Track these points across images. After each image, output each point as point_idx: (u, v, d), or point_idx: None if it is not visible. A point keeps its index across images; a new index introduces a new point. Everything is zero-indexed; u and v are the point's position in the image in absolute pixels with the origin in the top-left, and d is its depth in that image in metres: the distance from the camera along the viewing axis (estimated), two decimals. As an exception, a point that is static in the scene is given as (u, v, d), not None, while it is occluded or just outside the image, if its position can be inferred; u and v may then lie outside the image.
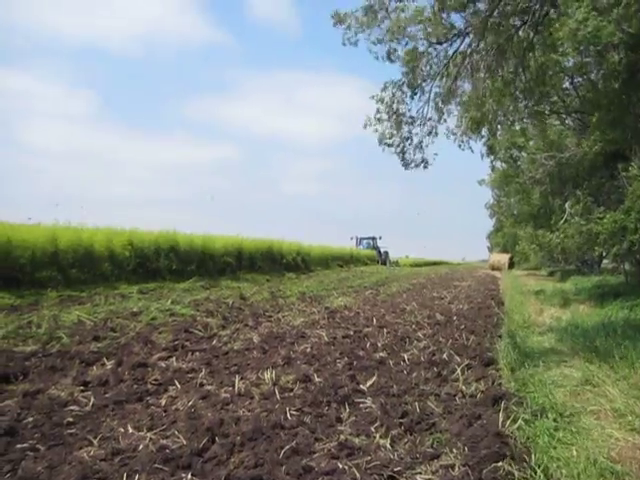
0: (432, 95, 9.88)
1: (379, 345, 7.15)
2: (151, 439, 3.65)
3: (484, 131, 11.01)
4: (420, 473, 3.17)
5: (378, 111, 9.88)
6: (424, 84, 9.69)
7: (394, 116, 9.86)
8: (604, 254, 20.91)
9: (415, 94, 9.79)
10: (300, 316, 9.83)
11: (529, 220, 23.55)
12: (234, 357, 6.29)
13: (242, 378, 5.27)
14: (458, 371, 5.49)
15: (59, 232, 11.69)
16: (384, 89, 9.80)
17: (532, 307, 13.50)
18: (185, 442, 3.57)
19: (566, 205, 16.71)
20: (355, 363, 5.98)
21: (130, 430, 3.81)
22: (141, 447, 3.51)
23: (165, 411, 4.32)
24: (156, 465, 3.20)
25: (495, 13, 8.50)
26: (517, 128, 14.70)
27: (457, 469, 3.18)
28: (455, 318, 9.97)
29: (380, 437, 3.69)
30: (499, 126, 12.06)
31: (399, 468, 3.19)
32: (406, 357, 6.36)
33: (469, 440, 3.54)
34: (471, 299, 14.38)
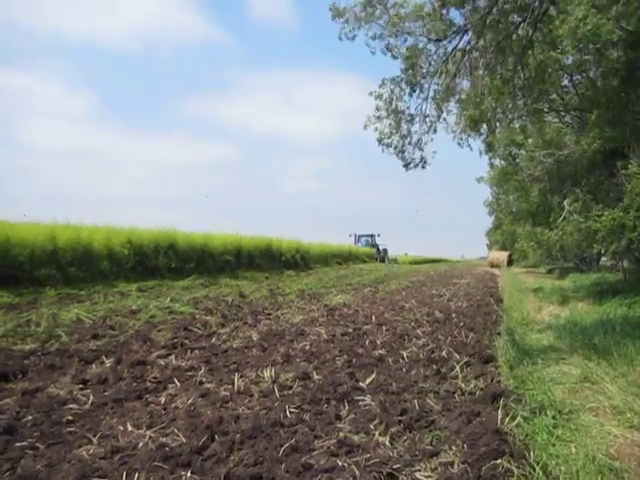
0: (431, 92, 9.86)
1: (378, 343, 7.16)
2: (150, 437, 3.65)
3: (483, 129, 10.99)
4: (419, 470, 3.18)
5: (377, 108, 9.85)
6: (423, 81, 9.66)
7: (393, 114, 9.83)
8: (603, 252, 20.96)
9: (414, 91, 9.76)
10: (299, 314, 9.84)
11: (528, 218, 23.56)
12: (233, 355, 6.30)
13: (241, 376, 5.28)
14: (457, 368, 5.49)
15: (58, 230, 11.67)
16: (382, 85, 9.77)
17: (531, 304, 13.52)
18: (184, 440, 3.57)
19: (565, 203, 16.72)
20: (354, 361, 5.99)
21: (129, 428, 3.82)
22: (140, 445, 3.52)
23: (164, 409, 4.32)
24: (156, 463, 3.20)
25: (494, 10, 8.48)
26: (516, 126, 14.68)
27: (456, 466, 3.19)
28: (454, 315, 9.97)
29: (379, 434, 3.70)
30: (498, 124, 12.05)
31: (398, 465, 3.20)
32: (405, 355, 6.37)
33: (468, 437, 3.55)
34: (470, 296, 14.39)
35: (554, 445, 3.56)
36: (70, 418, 4.01)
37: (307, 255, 24.28)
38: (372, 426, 3.85)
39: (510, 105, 10.74)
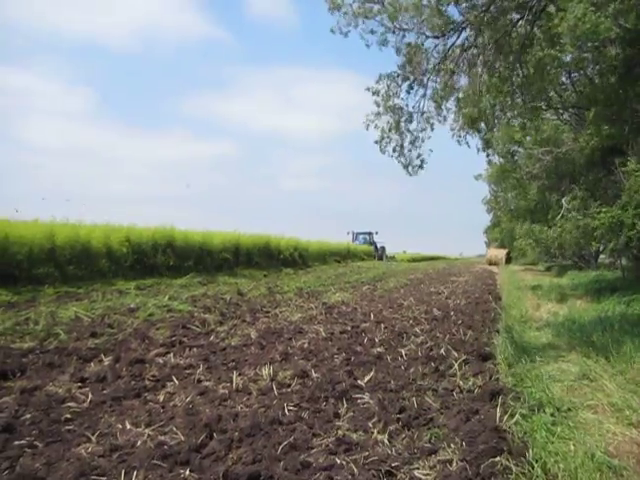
0: (429, 90, 9.85)
1: (376, 340, 7.16)
2: (149, 435, 3.65)
3: (481, 126, 10.99)
4: (418, 468, 3.18)
5: (377, 104, 9.82)
6: (421, 78, 9.64)
7: (391, 112, 9.81)
8: (601, 249, 20.99)
9: (412, 88, 9.75)
10: (298, 312, 9.84)
11: (526, 215, 23.63)
12: (232, 353, 6.30)
13: (240, 374, 5.28)
14: (455, 366, 5.49)
15: (56, 228, 11.66)
16: (379, 81, 9.74)
17: (529, 302, 13.53)
18: (183, 438, 3.57)
19: (563, 200, 16.76)
20: (353, 358, 5.99)
21: (128, 426, 3.81)
22: (139, 443, 3.51)
23: (163, 407, 4.32)
24: (154, 461, 3.20)
25: (492, 7, 8.47)
26: (515, 123, 14.69)
27: (455, 464, 3.19)
28: (452, 313, 9.98)
29: (378, 432, 3.70)
30: (496, 121, 12.04)
31: (397, 463, 3.20)
32: (403, 352, 6.37)
33: (467, 435, 3.55)
34: (468, 294, 14.39)
35: (553, 443, 3.56)
36: (69, 416, 4.00)
37: (305, 253, 24.29)
38: (370, 424, 3.86)
39: (509, 103, 10.74)
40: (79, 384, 4.87)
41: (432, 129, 10.10)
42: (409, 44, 9.38)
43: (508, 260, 45.65)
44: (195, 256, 15.73)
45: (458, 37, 9.15)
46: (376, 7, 9.03)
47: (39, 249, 10.71)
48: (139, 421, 3.93)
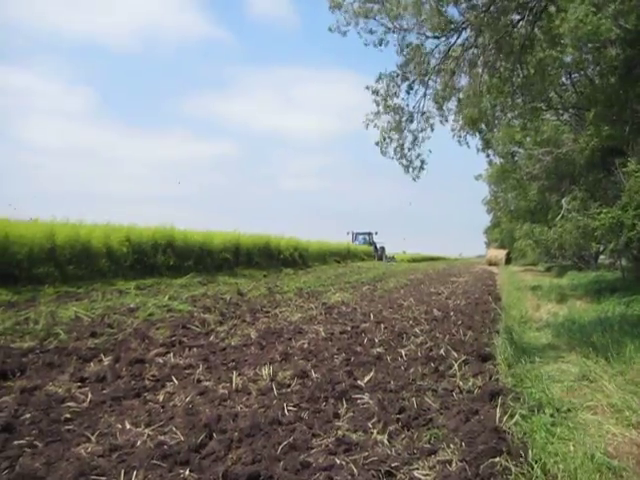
0: (429, 90, 9.84)
1: (376, 341, 7.16)
2: (149, 435, 3.65)
3: (481, 126, 10.99)
4: (417, 469, 3.18)
5: (376, 103, 9.82)
6: (421, 78, 9.63)
7: (392, 112, 9.81)
8: (601, 250, 20.99)
9: (411, 88, 9.74)
10: (297, 312, 9.84)
11: (526, 216, 23.63)
12: (231, 353, 6.30)
13: (240, 374, 5.28)
14: (455, 367, 5.49)
15: (57, 228, 11.66)
16: (379, 80, 9.73)
17: (529, 303, 13.53)
18: (183, 438, 3.57)
19: (563, 201, 16.75)
20: (352, 359, 5.99)
21: (128, 426, 3.81)
22: (139, 443, 3.51)
23: (163, 407, 4.32)
24: (154, 461, 3.20)
25: (492, 8, 8.47)
26: (515, 123, 14.68)
27: (454, 464, 3.19)
28: (452, 314, 9.98)
29: (377, 433, 3.70)
30: (496, 122, 12.04)
31: (396, 464, 3.20)
32: (403, 353, 6.37)
33: (466, 436, 3.55)
34: (468, 295, 14.39)
35: (552, 443, 3.56)
36: (68, 416, 4.00)
37: (305, 253, 24.29)
38: (370, 424, 3.86)
39: (509, 103, 10.74)
40: (79, 384, 4.87)
41: (432, 129, 10.10)
42: (409, 44, 9.38)
43: (508, 261, 45.66)
44: (195, 256, 15.72)
45: (458, 37, 9.14)
46: (376, 6, 9.03)
47: (39, 249, 10.71)
48: (139, 421, 3.93)
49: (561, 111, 15.99)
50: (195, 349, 6.43)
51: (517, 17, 8.83)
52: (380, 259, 38.18)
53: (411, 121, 9.93)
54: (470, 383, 4.97)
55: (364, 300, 12.52)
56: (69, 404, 4.27)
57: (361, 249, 36.04)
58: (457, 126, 11.08)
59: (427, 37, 9.33)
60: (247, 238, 19.53)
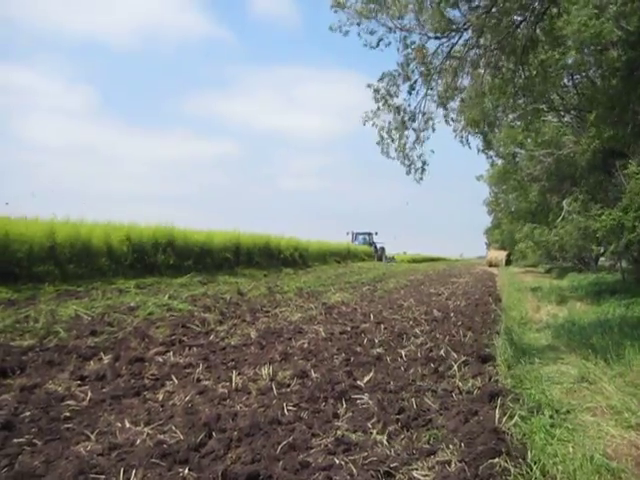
0: (430, 90, 9.82)
1: (376, 341, 7.16)
2: (148, 434, 3.66)
3: (483, 127, 10.98)
4: (416, 469, 3.18)
5: (375, 100, 9.80)
6: (422, 78, 9.62)
7: (394, 112, 9.79)
8: (601, 251, 20.98)
9: (413, 89, 9.73)
10: (297, 312, 9.84)
11: (527, 217, 23.63)
12: (231, 352, 6.30)
13: (239, 373, 5.28)
14: (455, 367, 5.50)
15: (57, 226, 11.65)
16: (381, 79, 9.72)
17: (529, 304, 13.53)
18: (182, 437, 3.57)
19: (564, 202, 16.76)
20: (352, 359, 5.99)
21: (127, 425, 3.82)
22: (138, 442, 3.52)
23: (162, 406, 4.32)
24: (153, 460, 3.20)
25: (494, 9, 8.46)
26: (517, 124, 14.67)
27: (453, 465, 3.19)
28: (452, 314, 9.98)
29: (377, 433, 3.70)
30: (498, 122, 12.03)
31: (396, 464, 3.20)
32: (403, 353, 6.37)
33: (465, 436, 3.55)
34: (468, 296, 14.39)
35: (551, 444, 3.56)
36: (68, 414, 4.01)
37: (306, 253, 24.27)
38: (370, 424, 3.86)
39: (511, 104, 10.73)
40: (79, 382, 4.87)
41: (433, 130, 10.08)
42: (410, 44, 9.36)
43: (508, 262, 45.67)
44: (195, 255, 15.71)
45: (460, 38, 9.13)
46: (378, 6, 9.02)
47: (39, 247, 10.70)
48: (138, 420, 3.93)
49: (562, 112, 15.99)
50: (195, 348, 6.43)
51: (519, 18, 8.81)
52: (380, 259, 38.14)
53: (413, 120, 9.91)
54: (470, 384, 4.97)
55: (364, 300, 12.52)
56: (69, 402, 4.28)
57: (361, 249, 36.01)
58: (459, 127, 11.08)
59: (429, 37, 9.32)
60: (247, 238, 19.52)
